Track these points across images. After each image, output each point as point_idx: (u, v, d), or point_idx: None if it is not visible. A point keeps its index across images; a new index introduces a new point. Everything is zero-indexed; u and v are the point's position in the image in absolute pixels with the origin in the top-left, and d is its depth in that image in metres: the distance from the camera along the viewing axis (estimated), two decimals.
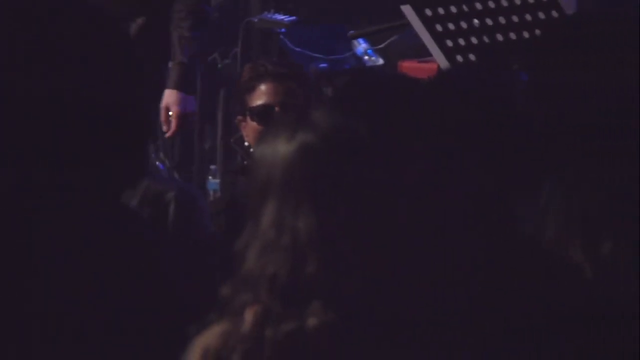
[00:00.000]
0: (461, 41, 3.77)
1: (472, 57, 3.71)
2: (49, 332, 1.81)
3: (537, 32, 3.66)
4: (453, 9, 3.75)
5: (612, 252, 2.05)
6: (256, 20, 6.08)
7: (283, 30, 5.92)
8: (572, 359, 1.96)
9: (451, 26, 3.78)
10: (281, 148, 1.89)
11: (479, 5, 3.76)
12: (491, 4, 3.83)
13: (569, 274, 2.12)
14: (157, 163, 5.60)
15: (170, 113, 4.53)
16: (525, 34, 3.72)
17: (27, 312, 1.78)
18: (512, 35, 3.75)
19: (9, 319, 1.79)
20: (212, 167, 6.22)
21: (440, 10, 3.76)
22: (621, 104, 2.14)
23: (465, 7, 3.79)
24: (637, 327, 1.98)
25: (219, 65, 6.23)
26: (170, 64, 4.84)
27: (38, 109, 1.88)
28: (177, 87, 4.48)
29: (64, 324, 1.83)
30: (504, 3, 3.81)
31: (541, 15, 3.76)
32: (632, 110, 2.08)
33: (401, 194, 1.95)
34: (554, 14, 3.83)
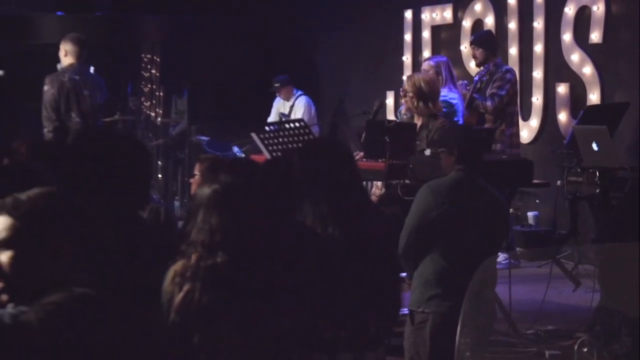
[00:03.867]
0: (274, 147, 6.44)
1: (279, 153, 6.30)
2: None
3: (302, 144, 6.24)
4: (272, 135, 6.42)
5: (333, 230, 3.33)
6: (194, 139, 10.34)
7: (205, 143, 9.83)
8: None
9: (270, 142, 6.46)
10: (206, 190, 3.09)
11: (281, 134, 6.36)
12: (282, 134, 6.39)
13: (316, 234, 3.34)
14: (153, 195, 8.90)
15: None
16: (299, 145, 6.38)
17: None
18: (294, 145, 6.43)
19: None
20: (176, 197, 10.51)
21: (266, 136, 6.50)
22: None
23: (273, 135, 6.43)
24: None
25: (181, 156, 10.56)
26: None
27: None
28: None
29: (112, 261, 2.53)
30: (291, 132, 6.42)
31: (305, 137, 6.52)
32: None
33: (255, 210, 3.13)
34: (310, 136, 6.63)
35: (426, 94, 6.67)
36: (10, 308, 2.25)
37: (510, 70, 8.21)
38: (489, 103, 7.92)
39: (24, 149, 3.73)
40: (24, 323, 2.14)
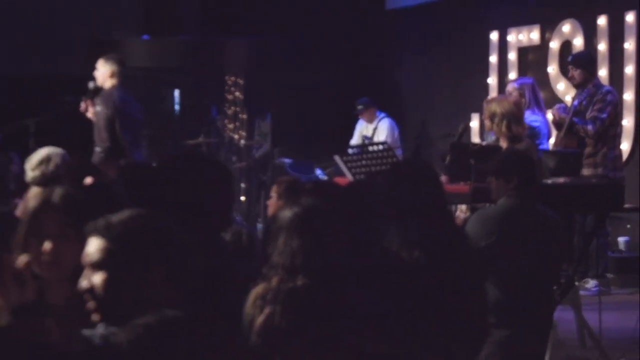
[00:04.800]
0: (357, 170, 6.43)
1: (362, 176, 6.36)
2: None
3: (388, 167, 6.09)
4: (355, 157, 6.43)
5: (419, 255, 3.37)
6: (277, 161, 10.58)
7: (288, 165, 10.48)
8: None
9: (353, 164, 6.45)
10: (287, 213, 3.10)
11: (364, 157, 6.36)
12: (366, 157, 6.42)
13: (399, 258, 3.40)
14: (236, 218, 8.71)
15: None
16: (382, 168, 6.32)
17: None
18: (378, 167, 6.39)
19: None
20: (259, 219, 10.49)
21: (349, 158, 6.51)
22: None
23: (356, 157, 6.49)
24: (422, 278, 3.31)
25: (264, 178, 10.71)
26: None
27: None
28: None
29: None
30: (374, 155, 6.41)
31: (388, 160, 6.46)
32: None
33: (336, 234, 3.11)
34: (393, 159, 6.45)
35: (504, 118, 6.52)
36: (101, 328, 2.30)
37: (611, 91, 7.89)
38: (590, 127, 7.64)
39: (112, 170, 3.79)
40: (114, 344, 2.16)
